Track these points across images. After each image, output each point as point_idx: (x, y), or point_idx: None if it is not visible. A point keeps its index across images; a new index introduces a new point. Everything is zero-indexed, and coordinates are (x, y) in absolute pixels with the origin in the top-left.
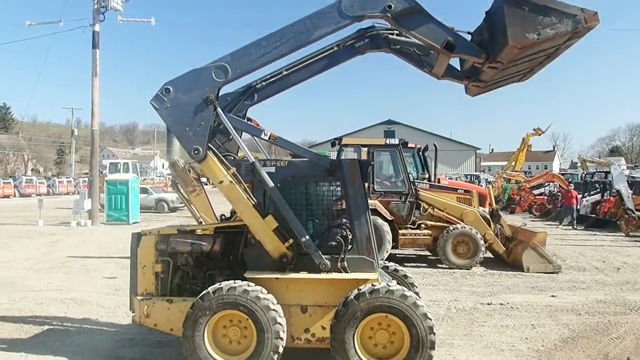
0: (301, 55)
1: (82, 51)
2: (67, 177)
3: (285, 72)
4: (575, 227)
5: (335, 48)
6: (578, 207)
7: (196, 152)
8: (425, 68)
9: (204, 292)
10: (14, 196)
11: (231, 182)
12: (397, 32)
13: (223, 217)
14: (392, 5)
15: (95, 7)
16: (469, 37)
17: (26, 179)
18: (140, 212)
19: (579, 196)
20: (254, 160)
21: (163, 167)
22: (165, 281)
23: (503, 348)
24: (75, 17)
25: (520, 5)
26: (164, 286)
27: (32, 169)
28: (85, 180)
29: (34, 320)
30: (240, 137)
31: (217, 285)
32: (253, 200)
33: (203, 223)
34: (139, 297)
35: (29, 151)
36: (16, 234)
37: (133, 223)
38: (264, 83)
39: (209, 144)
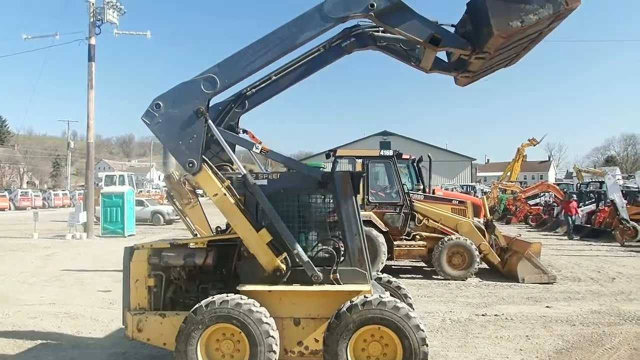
0: (289, 59)
1: (78, 64)
2: (62, 190)
3: (274, 78)
4: (572, 237)
5: (322, 50)
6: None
7: (191, 165)
8: (413, 62)
9: (197, 305)
10: (9, 209)
11: (225, 194)
12: (382, 29)
13: (219, 229)
14: (375, 4)
15: (91, 20)
16: (452, 30)
17: (21, 192)
18: (136, 224)
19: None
20: (245, 172)
21: (159, 180)
22: (158, 295)
23: (497, 359)
24: (72, 31)
25: None
26: (156, 300)
27: (27, 182)
28: (81, 193)
29: (27, 335)
30: (234, 149)
31: (209, 298)
32: (247, 214)
33: (198, 235)
34: (131, 312)
35: (24, 164)
36: (11, 247)
37: (128, 236)
38: (254, 90)
39: (203, 156)
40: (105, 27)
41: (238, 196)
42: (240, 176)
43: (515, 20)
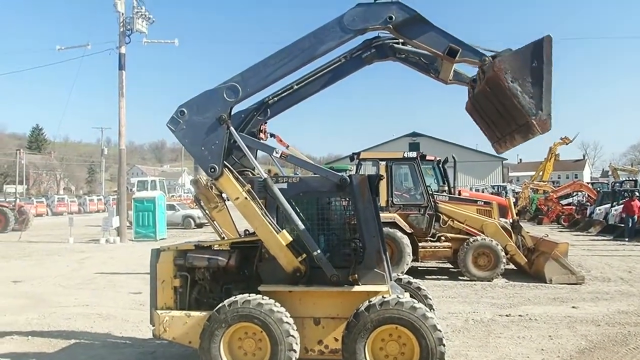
0: (310, 69)
1: (111, 72)
2: (97, 195)
3: (296, 87)
4: (631, 238)
5: (343, 60)
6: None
7: (212, 170)
8: (432, 74)
9: (220, 305)
10: (47, 215)
11: (246, 198)
12: (402, 41)
13: (247, 232)
14: (393, 16)
15: (121, 30)
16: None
17: (58, 198)
18: (168, 228)
19: (607, 205)
20: (266, 177)
21: (190, 184)
22: (184, 295)
23: (517, 359)
24: (103, 41)
25: (535, 57)
26: (182, 300)
27: (64, 188)
28: (114, 198)
29: (61, 335)
30: (256, 155)
31: (232, 298)
32: (268, 217)
33: (225, 238)
34: (158, 311)
35: (61, 170)
36: (48, 252)
37: (160, 239)
38: (276, 98)
39: (225, 162)
40: (134, 36)
41: (259, 199)
42: (261, 180)
43: (509, 76)
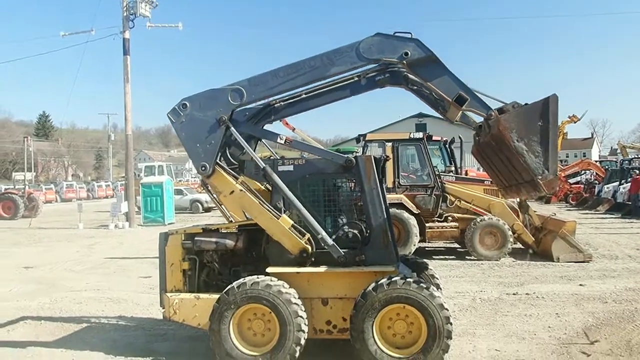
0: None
1: (115, 57)
2: (105, 181)
3: (304, 96)
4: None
5: (356, 79)
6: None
7: (203, 168)
8: (440, 111)
9: (229, 287)
10: (56, 201)
11: (241, 190)
12: None
13: None
14: (409, 53)
15: (125, 14)
16: None
17: (67, 184)
18: (176, 213)
19: (616, 183)
20: (264, 166)
21: None
22: (193, 278)
23: (524, 337)
24: (106, 26)
25: (541, 116)
26: (191, 283)
27: (72, 175)
28: (122, 184)
29: (73, 319)
30: (255, 147)
31: (241, 280)
32: (265, 205)
33: (233, 222)
34: (168, 294)
35: (68, 157)
36: (58, 238)
37: (168, 224)
38: (282, 103)
39: (217, 161)
40: (138, 20)
41: (256, 186)
42: (269, 162)
43: (515, 134)
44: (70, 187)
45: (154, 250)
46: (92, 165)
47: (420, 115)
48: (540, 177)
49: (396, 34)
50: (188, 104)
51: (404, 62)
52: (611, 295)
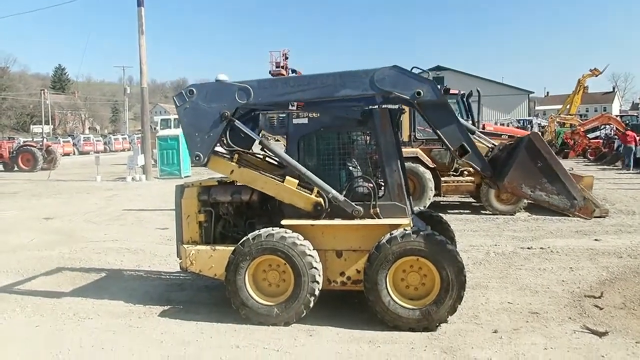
0: None
1: (131, 8)
2: (122, 135)
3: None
4: (631, 169)
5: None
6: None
7: (197, 158)
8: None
9: (244, 238)
10: (74, 154)
11: (240, 167)
12: None
13: None
14: (422, 93)
15: None
16: None
17: (84, 137)
18: (192, 165)
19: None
20: (260, 138)
21: None
22: (209, 230)
23: (537, 290)
24: None
25: (534, 158)
26: (207, 234)
27: (89, 128)
28: (139, 137)
29: (93, 269)
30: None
31: (256, 232)
32: (266, 173)
33: None
34: (185, 245)
35: (85, 110)
36: (76, 190)
37: (185, 177)
38: None
39: (212, 150)
40: None
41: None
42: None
43: (527, 187)
44: (88, 140)
45: (170, 202)
46: (108, 118)
47: (438, 68)
48: (572, 209)
49: (414, 69)
50: (195, 91)
51: (416, 101)
52: (626, 250)
